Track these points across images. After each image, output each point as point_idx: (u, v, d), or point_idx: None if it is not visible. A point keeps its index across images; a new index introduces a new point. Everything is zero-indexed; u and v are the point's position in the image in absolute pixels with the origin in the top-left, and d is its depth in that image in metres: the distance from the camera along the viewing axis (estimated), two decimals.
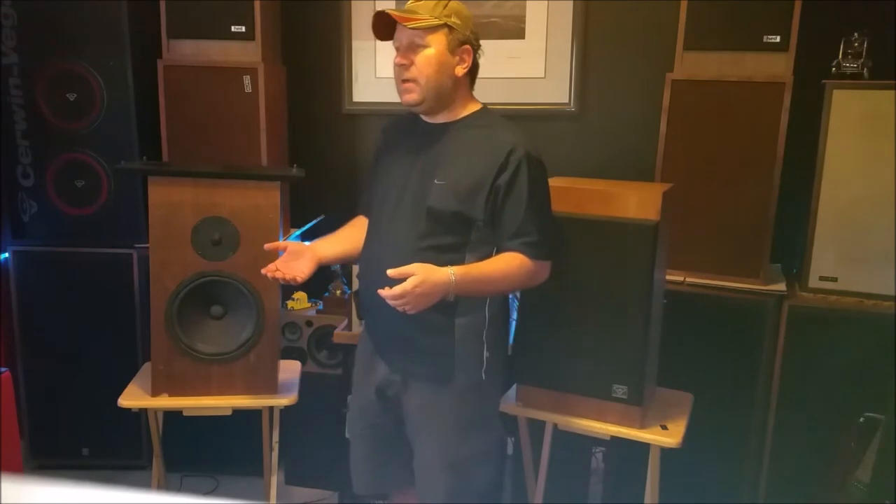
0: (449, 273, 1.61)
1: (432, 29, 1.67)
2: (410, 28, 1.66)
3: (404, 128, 1.87)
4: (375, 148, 1.97)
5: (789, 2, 2.31)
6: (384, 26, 1.72)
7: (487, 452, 1.85)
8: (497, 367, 1.83)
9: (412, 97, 1.72)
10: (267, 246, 1.83)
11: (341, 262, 1.98)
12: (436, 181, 1.71)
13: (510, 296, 2.56)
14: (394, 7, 1.73)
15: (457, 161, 1.72)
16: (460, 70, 1.73)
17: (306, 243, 1.91)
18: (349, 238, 1.93)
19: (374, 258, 1.79)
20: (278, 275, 1.76)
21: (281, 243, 1.85)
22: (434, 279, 1.59)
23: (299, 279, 1.78)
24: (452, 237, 1.71)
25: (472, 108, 1.79)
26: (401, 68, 1.70)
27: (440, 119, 1.78)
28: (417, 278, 1.56)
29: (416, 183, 1.74)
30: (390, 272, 1.58)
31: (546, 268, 1.78)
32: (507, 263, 1.71)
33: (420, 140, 1.79)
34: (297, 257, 1.83)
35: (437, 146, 1.75)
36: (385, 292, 1.57)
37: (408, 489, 1.97)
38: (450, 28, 1.69)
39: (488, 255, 1.74)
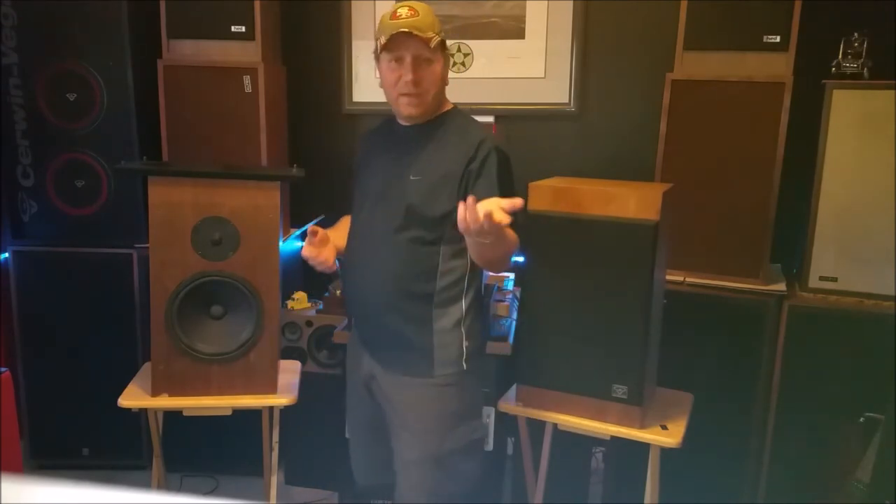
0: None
1: (437, 45, 1.75)
2: (431, 47, 1.73)
3: (381, 134, 1.95)
4: (357, 158, 2.03)
5: (789, 2, 2.31)
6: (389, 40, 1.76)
7: (468, 448, 1.86)
8: (477, 355, 1.88)
9: (415, 110, 1.78)
10: (311, 228, 1.89)
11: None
12: (411, 177, 1.77)
13: (511, 296, 2.58)
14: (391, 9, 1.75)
15: (430, 157, 1.79)
16: (447, 78, 1.84)
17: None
18: (336, 237, 1.99)
19: (356, 255, 1.88)
20: (321, 258, 1.85)
21: (313, 229, 1.89)
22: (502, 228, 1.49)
23: (331, 266, 1.89)
24: (429, 231, 1.76)
25: (445, 108, 1.87)
26: (409, 84, 1.74)
27: (418, 121, 1.84)
28: (497, 216, 1.44)
29: (394, 181, 1.81)
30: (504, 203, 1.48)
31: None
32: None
33: (397, 143, 1.86)
34: (324, 244, 1.91)
35: (413, 146, 1.82)
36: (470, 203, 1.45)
37: None
38: (443, 42, 1.78)
39: (465, 248, 1.75)
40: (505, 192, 1.74)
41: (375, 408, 1.93)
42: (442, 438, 1.82)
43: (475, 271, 1.85)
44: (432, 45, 1.72)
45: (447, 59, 1.82)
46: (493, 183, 1.74)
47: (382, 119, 1.96)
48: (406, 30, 1.70)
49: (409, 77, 1.73)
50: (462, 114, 1.89)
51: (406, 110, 1.79)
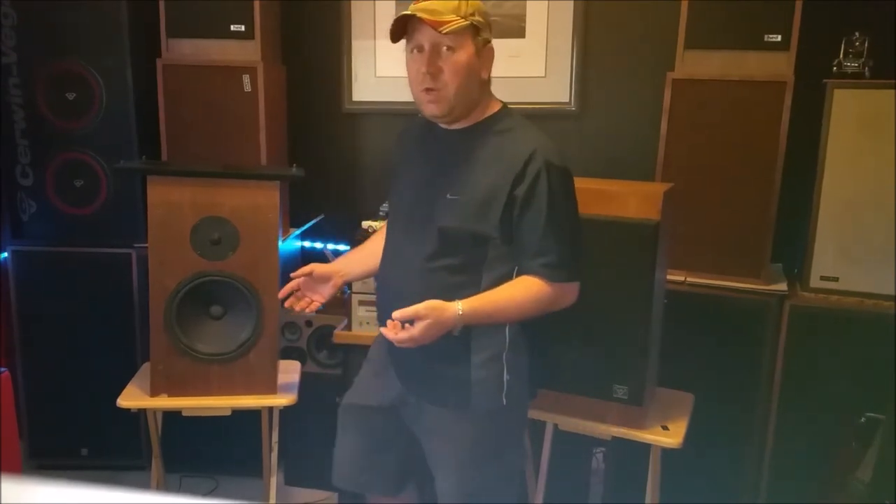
0: (457, 310, 1.52)
1: (461, 31, 1.53)
2: (444, 33, 1.50)
3: (421, 134, 1.74)
4: (393, 157, 1.84)
5: (790, 1, 2.31)
6: (398, 26, 1.57)
7: (507, 481, 1.74)
8: (519, 391, 1.70)
9: (437, 108, 1.58)
10: (294, 275, 1.81)
11: (368, 276, 1.91)
12: (448, 196, 1.58)
13: None
14: (394, 7, 1.65)
15: (471, 172, 1.58)
16: (486, 73, 1.60)
17: (332, 261, 1.92)
18: (375, 253, 1.83)
19: (388, 278, 1.73)
20: (295, 304, 1.80)
21: (307, 269, 1.81)
22: (442, 320, 1.51)
23: (315, 305, 1.81)
24: (467, 256, 1.59)
25: (492, 109, 1.65)
26: (426, 76, 1.54)
27: (458, 125, 1.63)
28: (426, 323, 1.49)
29: (428, 198, 1.62)
30: (396, 315, 1.50)
31: (571, 289, 1.63)
32: (523, 292, 1.58)
33: (436, 149, 1.67)
34: (323, 281, 1.83)
35: (453, 155, 1.62)
36: (390, 335, 1.51)
37: (387, 497, 1.90)
38: (475, 28, 1.55)
39: (508, 274, 1.62)
40: (556, 225, 1.56)
41: (385, 424, 1.80)
42: (477, 474, 1.68)
43: None
44: (444, 30, 1.49)
45: (481, 47, 1.57)
46: (541, 215, 1.54)
47: (423, 117, 1.70)
48: (409, 13, 1.51)
49: (423, 68, 1.54)
50: (512, 116, 1.65)
51: (427, 109, 1.59)
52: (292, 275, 1.81)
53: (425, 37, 1.54)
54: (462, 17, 1.52)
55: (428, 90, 1.56)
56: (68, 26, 2.68)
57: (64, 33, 2.68)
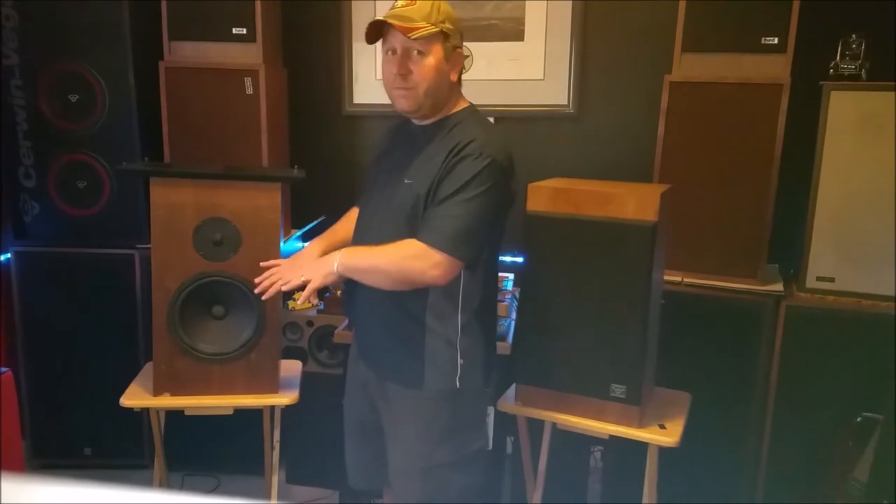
0: (335, 259, 1.68)
1: (430, 37, 1.64)
2: (413, 38, 1.61)
3: (400, 130, 1.87)
4: (375, 148, 1.98)
5: (787, 3, 2.32)
6: (374, 29, 1.69)
7: (462, 462, 1.79)
8: (474, 375, 1.78)
9: (407, 104, 1.70)
10: (263, 264, 1.87)
11: None
12: (406, 181, 1.70)
13: (510, 296, 2.58)
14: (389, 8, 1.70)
15: (426, 159, 1.70)
16: (454, 75, 1.71)
17: (303, 245, 1.95)
18: (341, 230, 2.00)
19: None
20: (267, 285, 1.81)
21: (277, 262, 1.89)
22: (313, 259, 1.77)
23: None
24: None
25: (458, 107, 1.77)
26: (398, 77, 1.67)
27: (428, 121, 1.76)
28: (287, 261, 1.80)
29: (393, 183, 1.74)
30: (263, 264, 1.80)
31: (444, 263, 1.62)
32: (399, 247, 1.65)
33: (407, 142, 1.79)
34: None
35: (416, 147, 1.74)
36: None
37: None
38: (444, 34, 1.66)
39: None
40: (462, 203, 1.61)
41: (371, 411, 1.90)
42: (431, 451, 1.76)
43: (475, 285, 1.75)
44: (413, 36, 1.60)
45: (450, 52, 1.68)
46: (451, 187, 1.62)
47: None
48: (381, 19, 1.63)
49: (394, 70, 1.67)
50: (472, 114, 1.77)
51: (398, 104, 1.71)
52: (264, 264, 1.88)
53: (397, 41, 1.65)
54: (432, 24, 1.63)
55: (398, 88, 1.69)
56: (70, 28, 2.69)
57: (66, 35, 2.70)
